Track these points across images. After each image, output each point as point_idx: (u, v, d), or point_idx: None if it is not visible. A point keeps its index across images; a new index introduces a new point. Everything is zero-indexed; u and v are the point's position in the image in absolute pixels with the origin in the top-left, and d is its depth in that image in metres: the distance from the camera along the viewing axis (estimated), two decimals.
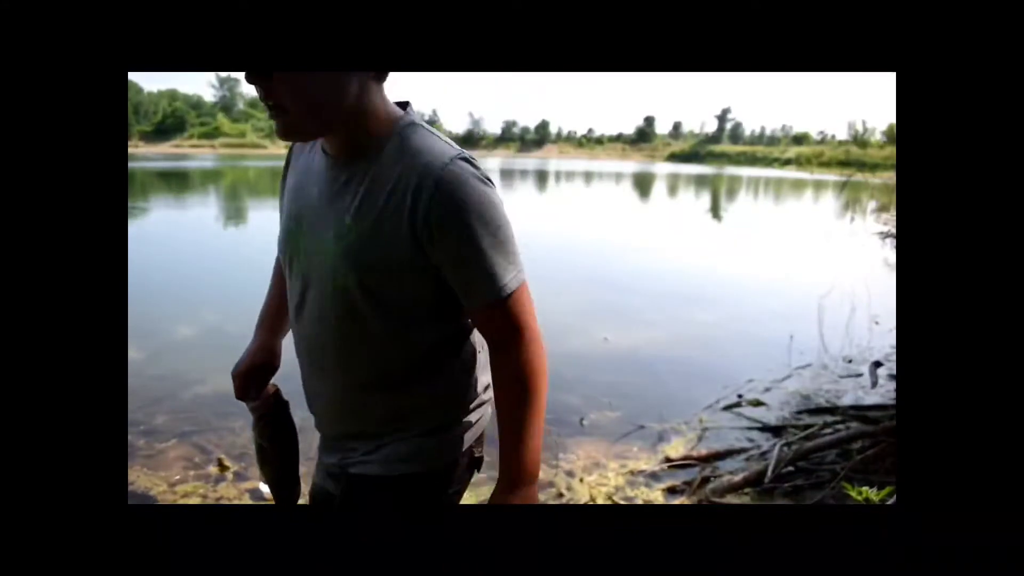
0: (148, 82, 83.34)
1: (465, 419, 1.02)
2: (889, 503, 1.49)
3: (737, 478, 2.74)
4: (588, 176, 36.95)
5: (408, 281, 0.89)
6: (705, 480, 2.78)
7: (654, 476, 2.86)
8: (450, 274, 0.89)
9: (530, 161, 67.86)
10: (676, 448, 3.13)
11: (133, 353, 4.04)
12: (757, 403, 3.73)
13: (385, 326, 0.91)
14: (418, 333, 0.94)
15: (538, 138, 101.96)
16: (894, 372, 4.25)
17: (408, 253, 0.86)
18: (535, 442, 0.92)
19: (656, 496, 2.69)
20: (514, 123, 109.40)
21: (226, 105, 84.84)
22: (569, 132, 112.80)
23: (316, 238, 0.93)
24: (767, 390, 3.95)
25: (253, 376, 1.10)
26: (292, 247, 0.97)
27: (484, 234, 0.86)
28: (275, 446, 1.09)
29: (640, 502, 2.64)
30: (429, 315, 0.94)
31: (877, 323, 5.34)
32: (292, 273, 0.99)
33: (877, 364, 4.37)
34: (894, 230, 10.21)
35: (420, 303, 0.92)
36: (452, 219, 0.84)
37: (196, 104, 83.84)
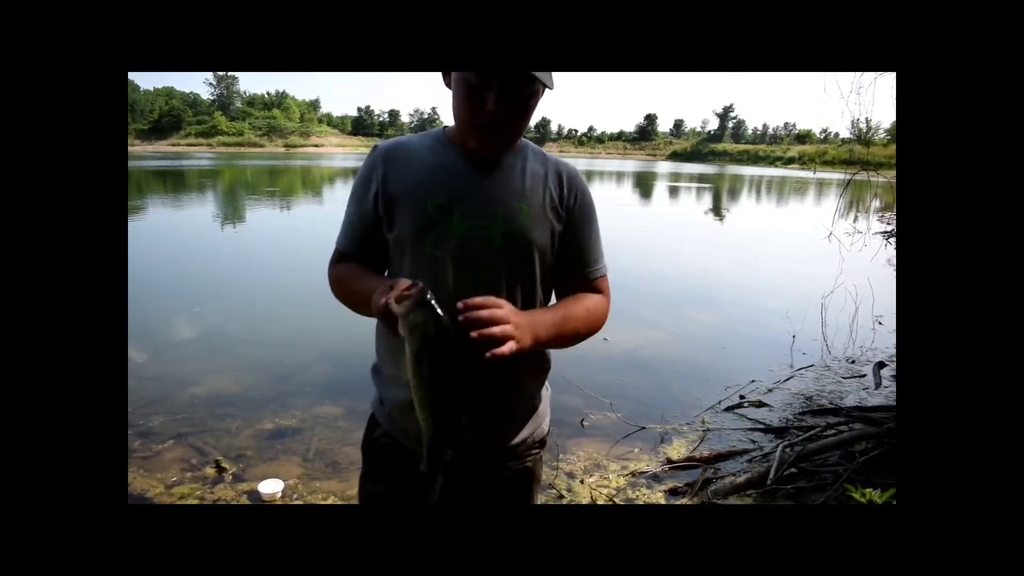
0: (144, 80, 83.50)
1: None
2: (892, 504, 1.48)
3: (739, 480, 2.73)
4: (589, 175, 36.90)
5: (551, 249, 1.08)
6: (707, 482, 2.77)
7: (655, 477, 2.85)
8: (572, 243, 1.10)
9: None
10: (678, 449, 3.13)
11: (129, 354, 4.02)
12: (759, 404, 3.72)
13: (535, 291, 1.09)
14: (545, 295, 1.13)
15: (538, 136, 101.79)
16: None
17: (555, 227, 1.07)
18: (554, 336, 1.02)
19: (658, 497, 2.68)
20: None
21: (223, 103, 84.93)
22: (570, 130, 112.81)
23: (477, 222, 1.03)
24: (769, 391, 3.94)
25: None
26: (438, 232, 1.03)
27: (596, 216, 1.14)
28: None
29: (641, 503, 2.63)
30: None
31: (880, 323, 5.32)
32: (434, 256, 1.02)
33: (881, 365, 4.34)
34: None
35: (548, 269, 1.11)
36: (585, 200, 1.11)
37: (193, 102, 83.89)
